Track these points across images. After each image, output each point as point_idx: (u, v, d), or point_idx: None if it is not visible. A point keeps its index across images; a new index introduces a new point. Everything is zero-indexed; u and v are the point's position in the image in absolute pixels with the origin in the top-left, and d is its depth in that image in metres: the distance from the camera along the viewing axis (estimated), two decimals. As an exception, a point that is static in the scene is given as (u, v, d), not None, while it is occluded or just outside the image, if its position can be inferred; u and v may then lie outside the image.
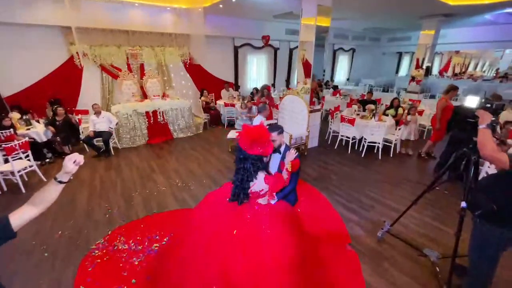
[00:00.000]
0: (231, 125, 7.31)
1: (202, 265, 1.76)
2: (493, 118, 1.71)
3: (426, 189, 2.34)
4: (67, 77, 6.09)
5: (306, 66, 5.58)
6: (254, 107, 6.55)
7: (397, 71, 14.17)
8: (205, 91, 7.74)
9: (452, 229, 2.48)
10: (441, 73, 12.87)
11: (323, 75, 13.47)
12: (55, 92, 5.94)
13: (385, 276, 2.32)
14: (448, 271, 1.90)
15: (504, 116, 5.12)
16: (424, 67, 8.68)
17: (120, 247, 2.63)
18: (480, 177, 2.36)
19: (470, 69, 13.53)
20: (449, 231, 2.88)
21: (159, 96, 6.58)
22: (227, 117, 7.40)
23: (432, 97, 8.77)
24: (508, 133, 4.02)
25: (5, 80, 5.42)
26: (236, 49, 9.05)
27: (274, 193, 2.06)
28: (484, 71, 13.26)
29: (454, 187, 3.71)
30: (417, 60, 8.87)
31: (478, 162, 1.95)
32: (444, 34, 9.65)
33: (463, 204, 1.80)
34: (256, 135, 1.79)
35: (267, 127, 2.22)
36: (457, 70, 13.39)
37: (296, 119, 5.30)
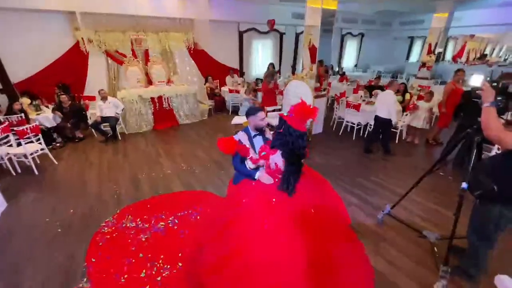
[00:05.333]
0: (236, 111, 7.31)
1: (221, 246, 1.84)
2: (499, 97, 1.68)
3: (427, 171, 2.34)
4: (73, 63, 6.13)
5: (312, 51, 5.44)
6: (259, 93, 6.52)
7: (407, 57, 13.68)
8: (210, 77, 7.71)
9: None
10: (454, 59, 12.35)
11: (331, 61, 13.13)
12: (62, 78, 5.98)
13: (383, 255, 2.37)
14: (445, 251, 1.94)
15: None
16: (435, 52, 8.37)
17: (128, 225, 2.75)
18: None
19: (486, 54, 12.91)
20: (450, 215, 2.87)
21: (164, 82, 6.60)
22: (232, 104, 7.40)
23: (443, 83, 8.48)
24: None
25: (13, 66, 5.42)
26: (241, 34, 8.87)
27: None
28: (500, 57, 12.65)
29: (459, 173, 3.67)
30: (429, 45, 8.54)
31: (481, 144, 1.93)
32: (459, 17, 9.15)
33: (464, 184, 1.80)
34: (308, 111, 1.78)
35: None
36: (472, 56, 12.80)
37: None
